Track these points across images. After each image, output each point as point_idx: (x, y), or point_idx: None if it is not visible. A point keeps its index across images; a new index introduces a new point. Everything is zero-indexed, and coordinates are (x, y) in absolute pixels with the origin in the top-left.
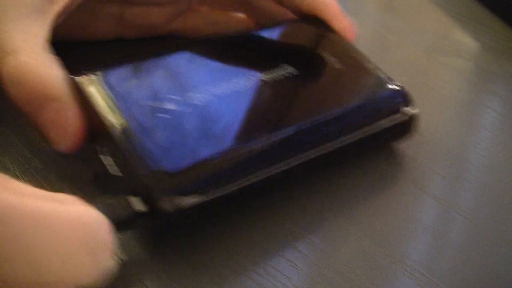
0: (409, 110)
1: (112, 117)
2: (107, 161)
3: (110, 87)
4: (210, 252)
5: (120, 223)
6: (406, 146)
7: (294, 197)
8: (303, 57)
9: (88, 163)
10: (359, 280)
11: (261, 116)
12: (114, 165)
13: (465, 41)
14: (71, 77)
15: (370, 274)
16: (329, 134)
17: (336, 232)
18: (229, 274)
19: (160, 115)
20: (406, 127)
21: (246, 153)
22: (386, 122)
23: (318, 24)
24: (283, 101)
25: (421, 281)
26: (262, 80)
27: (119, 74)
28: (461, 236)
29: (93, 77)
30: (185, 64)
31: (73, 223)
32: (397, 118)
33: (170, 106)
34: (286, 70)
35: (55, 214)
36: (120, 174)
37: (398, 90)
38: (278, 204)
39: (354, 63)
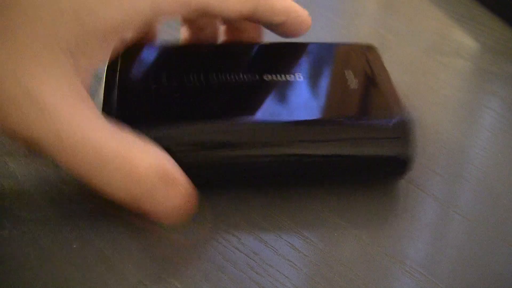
0: (403, 147)
1: (111, 89)
2: None
3: (123, 66)
4: (203, 245)
5: None
6: None
7: (294, 196)
8: (317, 69)
9: None
10: (359, 280)
11: (238, 106)
12: None
13: (465, 41)
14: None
15: (370, 274)
16: (296, 137)
17: (336, 232)
18: (226, 269)
19: (152, 87)
20: (396, 164)
21: (192, 132)
22: (372, 152)
23: (366, 50)
24: (269, 99)
25: (421, 281)
26: (263, 80)
27: (136, 58)
28: (461, 236)
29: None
30: (201, 57)
31: None
32: (387, 151)
33: (165, 83)
34: (293, 77)
35: None
36: None
37: (397, 123)
38: (277, 203)
39: (372, 88)
